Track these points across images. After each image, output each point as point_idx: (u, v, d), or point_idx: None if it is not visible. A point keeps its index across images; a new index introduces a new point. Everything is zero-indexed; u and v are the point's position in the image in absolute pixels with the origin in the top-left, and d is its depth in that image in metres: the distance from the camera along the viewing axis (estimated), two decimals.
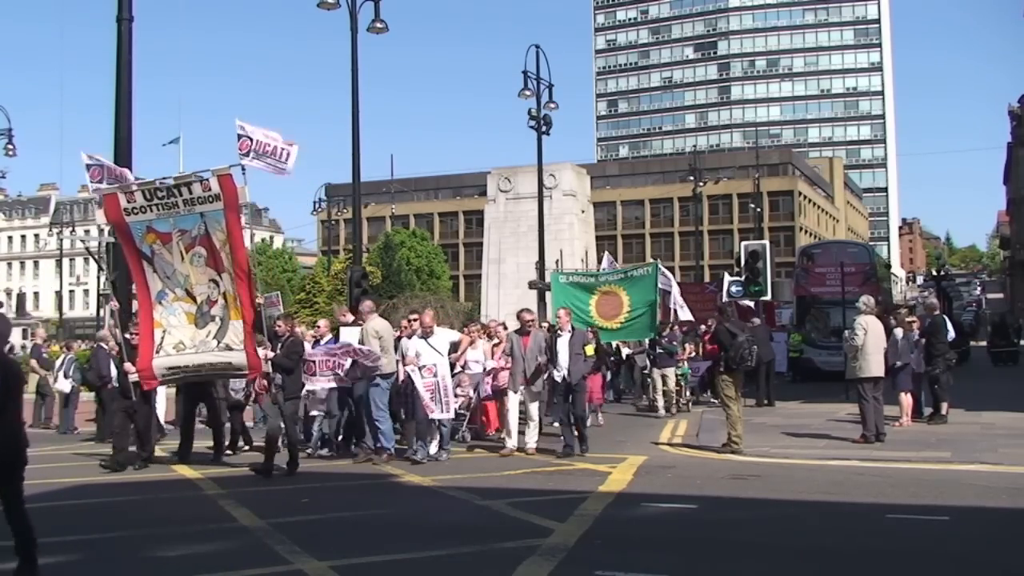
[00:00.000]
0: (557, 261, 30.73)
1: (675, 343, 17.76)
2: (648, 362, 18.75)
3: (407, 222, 76.19)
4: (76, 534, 7.63)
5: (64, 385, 17.25)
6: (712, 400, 18.54)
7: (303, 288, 52.45)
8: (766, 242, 22.75)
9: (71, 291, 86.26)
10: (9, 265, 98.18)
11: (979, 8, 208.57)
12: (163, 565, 6.62)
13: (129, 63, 14.59)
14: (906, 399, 14.15)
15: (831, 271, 24.91)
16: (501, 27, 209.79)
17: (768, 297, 20.40)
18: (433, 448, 11.54)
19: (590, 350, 12.22)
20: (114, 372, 12.47)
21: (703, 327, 20.48)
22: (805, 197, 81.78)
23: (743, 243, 23.22)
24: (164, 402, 15.57)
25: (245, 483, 10.24)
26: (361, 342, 11.54)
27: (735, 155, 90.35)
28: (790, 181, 79.43)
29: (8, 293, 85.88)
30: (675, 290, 21.69)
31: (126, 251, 11.41)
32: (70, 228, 59.11)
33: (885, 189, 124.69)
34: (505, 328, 14.77)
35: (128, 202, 10.99)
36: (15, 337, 61.33)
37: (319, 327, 12.87)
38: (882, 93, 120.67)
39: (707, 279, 53.17)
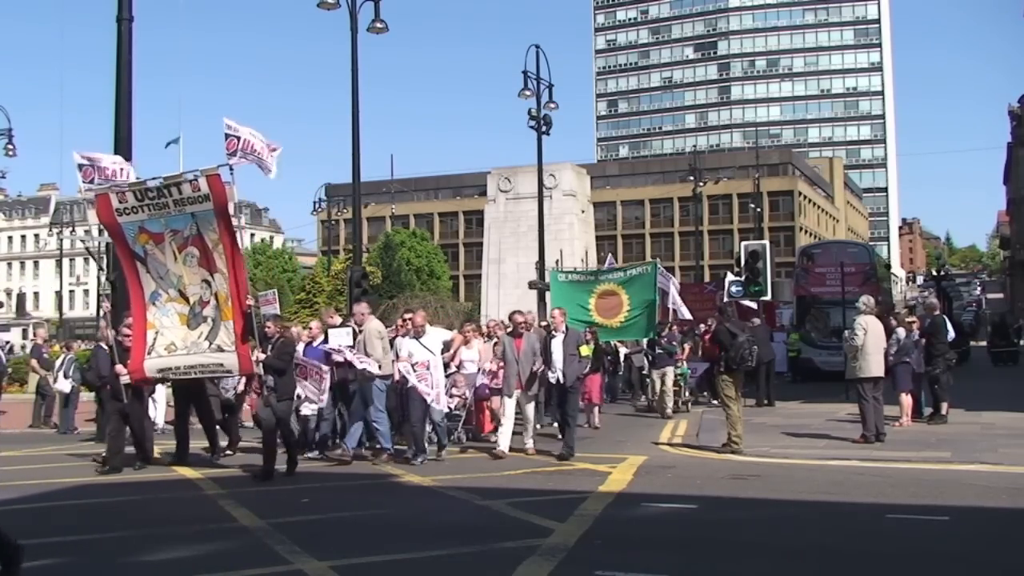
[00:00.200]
0: (557, 261, 30.74)
1: (674, 343, 17.76)
2: (646, 362, 18.76)
3: (407, 222, 76.20)
4: (76, 534, 7.63)
5: (64, 385, 17.24)
6: (712, 401, 18.57)
7: (303, 288, 52.40)
8: (766, 242, 22.77)
9: (71, 291, 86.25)
10: (9, 265, 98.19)
11: (979, 8, 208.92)
12: (163, 565, 6.62)
13: (129, 63, 14.60)
14: (906, 399, 14.15)
15: (831, 271, 24.92)
16: (501, 27, 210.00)
17: (768, 297, 20.39)
18: (431, 451, 11.50)
19: (585, 351, 12.18)
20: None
21: (702, 327, 20.51)
22: (805, 197, 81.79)
23: (743, 243, 23.23)
24: (164, 403, 15.60)
25: (245, 483, 10.24)
26: (364, 344, 11.47)
27: (735, 155, 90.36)
28: (790, 181, 79.46)
29: (8, 293, 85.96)
30: (673, 290, 21.69)
31: (119, 252, 11.33)
32: (70, 228, 59.04)
33: (885, 189, 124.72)
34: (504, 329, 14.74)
35: (120, 202, 10.91)
36: (15, 337, 61.34)
37: (312, 329, 12.81)
38: (882, 93, 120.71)
39: (707, 279, 53.13)
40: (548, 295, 19.56)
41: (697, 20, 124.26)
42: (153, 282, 11.08)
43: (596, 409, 15.64)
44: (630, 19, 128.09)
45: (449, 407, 12.71)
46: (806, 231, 79.28)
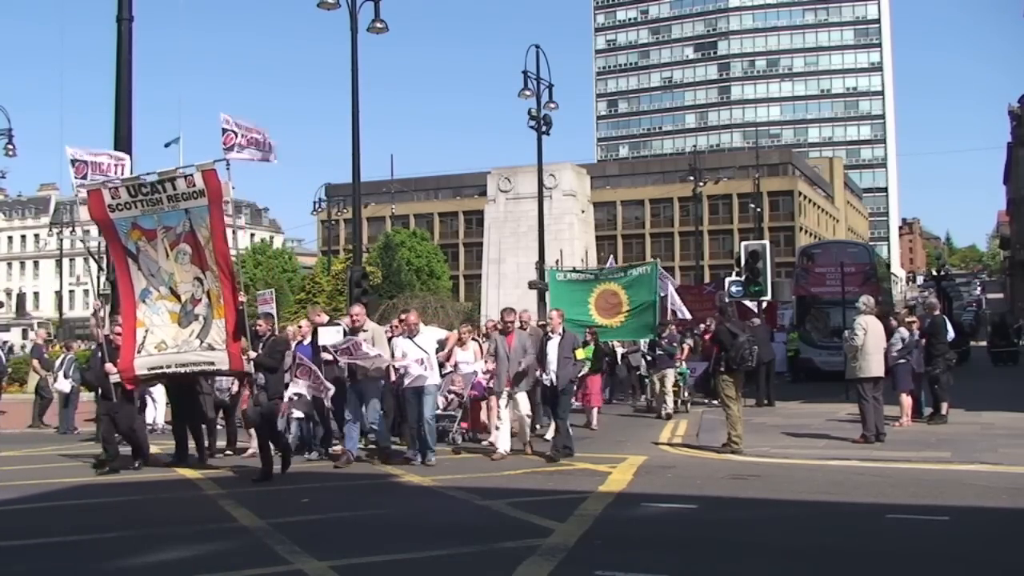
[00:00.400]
0: (557, 261, 30.74)
1: (675, 344, 17.75)
2: (643, 363, 18.73)
3: (407, 222, 76.18)
4: (76, 534, 7.62)
5: (64, 385, 17.24)
6: (710, 400, 18.57)
7: (303, 288, 52.43)
8: (766, 242, 22.72)
9: (71, 291, 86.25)
10: (9, 265, 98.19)
11: (979, 8, 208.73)
12: (163, 565, 6.61)
13: (129, 63, 14.60)
14: (906, 399, 14.15)
15: (831, 271, 24.91)
16: (501, 27, 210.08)
17: (768, 297, 20.38)
18: (428, 457, 11.25)
19: (580, 354, 12.10)
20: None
21: (701, 326, 20.50)
22: (805, 197, 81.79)
23: (743, 243, 23.20)
24: (164, 403, 15.57)
25: (245, 483, 10.22)
26: (373, 343, 11.36)
27: (735, 155, 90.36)
28: (790, 181, 79.45)
29: (8, 293, 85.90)
30: (672, 291, 21.69)
31: (111, 248, 11.25)
32: (70, 228, 59.05)
33: (885, 189, 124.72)
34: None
35: (113, 198, 10.83)
36: (15, 337, 61.34)
37: (302, 327, 12.79)
38: (882, 93, 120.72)
39: (707, 279, 53.19)
40: (548, 295, 19.55)
41: (697, 20, 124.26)
42: (144, 279, 10.97)
43: (595, 411, 15.56)
44: (630, 19, 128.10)
45: (444, 406, 12.71)
46: (806, 231, 79.28)
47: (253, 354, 10.49)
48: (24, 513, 8.75)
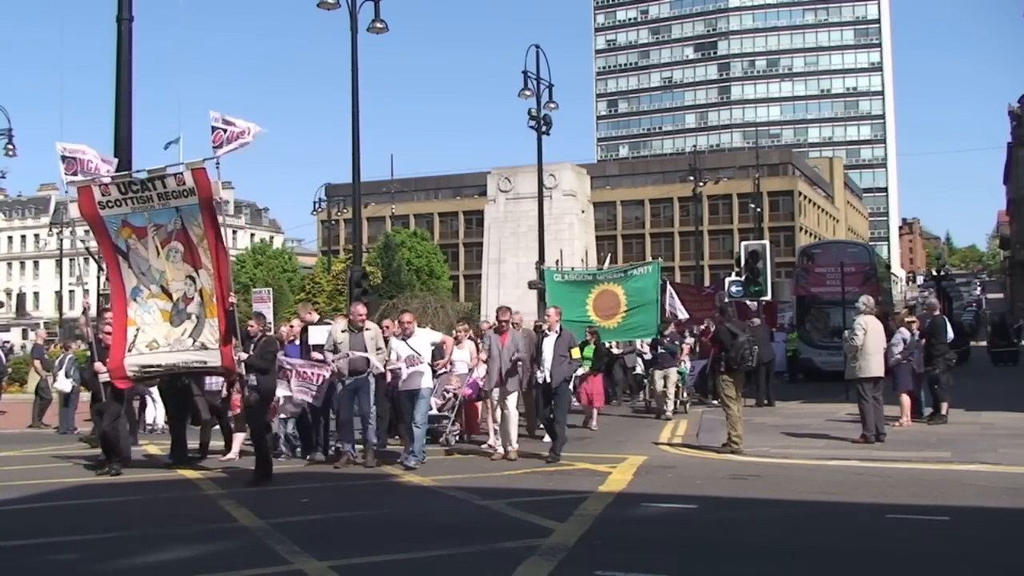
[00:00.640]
0: (557, 261, 30.76)
1: (676, 343, 17.74)
2: (638, 363, 18.71)
3: (407, 222, 76.21)
4: (77, 534, 7.63)
5: (65, 385, 17.24)
6: (705, 400, 18.58)
7: (303, 288, 52.42)
8: (766, 242, 22.71)
9: (71, 291, 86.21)
10: (9, 265, 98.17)
11: (979, 8, 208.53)
12: (163, 565, 6.61)
13: (129, 63, 14.57)
14: (906, 399, 14.15)
15: (831, 271, 24.89)
16: (501, 27, 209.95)
17: (768, 297, 20.37)
18: (412, 461, 11.10)
19: (576, 352, 12.08)
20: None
21: (701, 326, 20.49)
22: (805, 197, 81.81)
23: (743, 243, 23.20)
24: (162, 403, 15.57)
25: (245, 483, 10.22)
26: (377, 347, 11.33)
27: (735, 155, 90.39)
28: (790, 181, 79.47)
29: (8, 293, 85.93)
30: (670, 291, 21.69)
31: (101, 246, 11.10)
32: (70, 228, 59.04)
33: (885, 189, 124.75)
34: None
35: (103, 195, 10.71)
36: (15, 337, 61.35)
37: (292, 326, 12.72)
38: (882, 93, 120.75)
39: (707, 279, 53.27)
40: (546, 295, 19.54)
41: (697, 20, 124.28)
42: (135, 277, 10.86)
43: (595, 412, 15.52)
44: (630, 19, 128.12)
45: (439, 406, 12.70)
46: (806, 231, 79.29)
47: (244, 355, 10.38)
48: (24, 513, 8.75)
